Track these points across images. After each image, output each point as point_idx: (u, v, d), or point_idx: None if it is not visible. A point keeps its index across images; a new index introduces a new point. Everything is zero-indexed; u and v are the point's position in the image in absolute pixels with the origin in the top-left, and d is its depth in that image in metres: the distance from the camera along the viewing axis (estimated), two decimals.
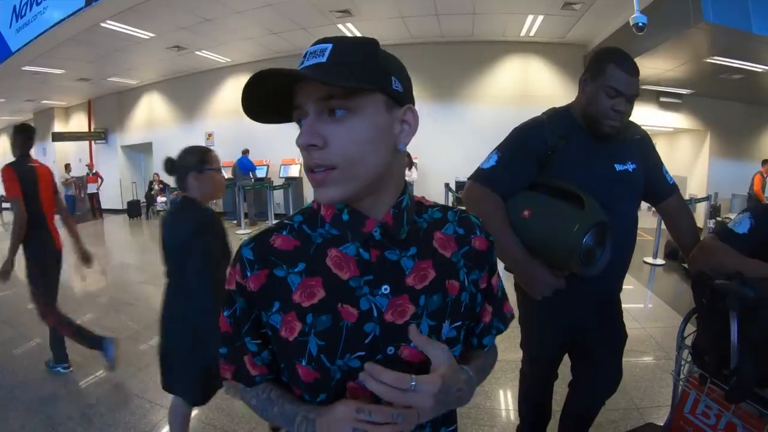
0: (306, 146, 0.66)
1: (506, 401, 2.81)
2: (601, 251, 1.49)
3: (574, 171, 1.58)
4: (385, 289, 0.73)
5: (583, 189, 1.49)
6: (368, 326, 0.72)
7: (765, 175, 8.99)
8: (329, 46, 0.66)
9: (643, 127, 1.81)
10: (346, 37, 0.68)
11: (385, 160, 0.70)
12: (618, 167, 1.64)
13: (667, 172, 1.83)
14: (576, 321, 1.76)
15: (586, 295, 1.67)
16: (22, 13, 8.19)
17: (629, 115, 1.58)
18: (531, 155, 1.63)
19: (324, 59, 0.65)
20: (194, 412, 2.71)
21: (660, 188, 1.81)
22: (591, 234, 1.43)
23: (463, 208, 0.87)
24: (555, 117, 1.69)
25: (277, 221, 0.82)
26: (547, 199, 1.55)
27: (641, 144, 1.75)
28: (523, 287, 1.65)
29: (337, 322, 0.71)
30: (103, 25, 7.87)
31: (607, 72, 1.52)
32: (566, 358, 1.98)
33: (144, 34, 8.66)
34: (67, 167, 13.26)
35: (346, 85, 0.62)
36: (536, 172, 1.63)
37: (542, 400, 2.12)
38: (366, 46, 0.68)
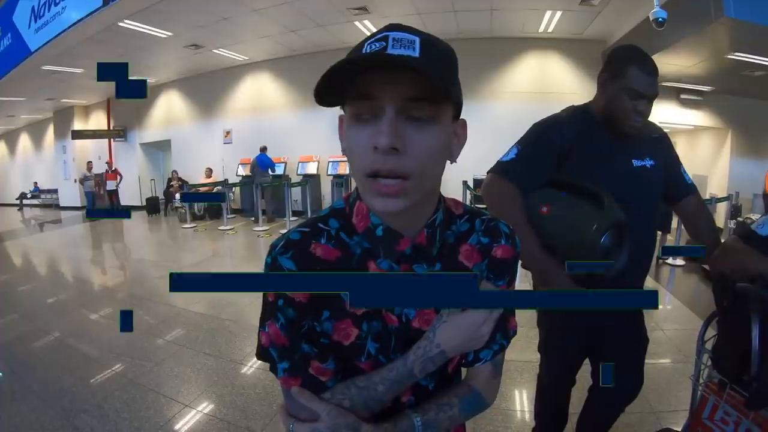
0: (389, 148, 0.59)
1: (522, 403, 2.78)
2: (618, 253, 1.47)
3: (592, 167, 1.58)
4: None
5: (600, 185, 1.49)
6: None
7: None
8: (416, 38, 0.60)
9: (663, 125, 1.79)
10: (428, 34, 0.63)
11: (442, 173, 0.69)
12: (636, 163, 1.64)
13: (685, 172, 1.81)
14: (594, 323, 1.73)
15: None
16: (41, 14, 8.33)
17: (649, 113, 1.58)
18: (550, 150, 1.62)
19: (416, 54, 0.59)
20: (208, 408, 2.74)
21: (678, 188, 1.79)
22: (609, 234, 1.41)
23: (492, 215, 0.85)
24: (574, 114, 1.70)
25: (306, 221, 0.79)
26: (567, 197, 1.54)
27: (659, 142, 1.75)
28: (538, 285, 1.63)
29: (386, 326, 0.74)
30: (120, 24, 7.97)
31: (628, 74, 1.52)
32: (585, 363, 1.95)
33: (161, 33, 8.75)
34: (89, 165, 13.47)
35: (451, 90, 0.58)
36: (554, 168, 1.62)
37: (558, 404, 2.09)
38: (448, 48, 0.65)
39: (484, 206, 1.40)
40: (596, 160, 1.59)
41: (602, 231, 1.40)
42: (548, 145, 1.63)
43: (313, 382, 0.74)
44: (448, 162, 0.72)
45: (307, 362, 0.73)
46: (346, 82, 0.61)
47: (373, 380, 0.73)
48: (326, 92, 0.61)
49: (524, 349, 2.65)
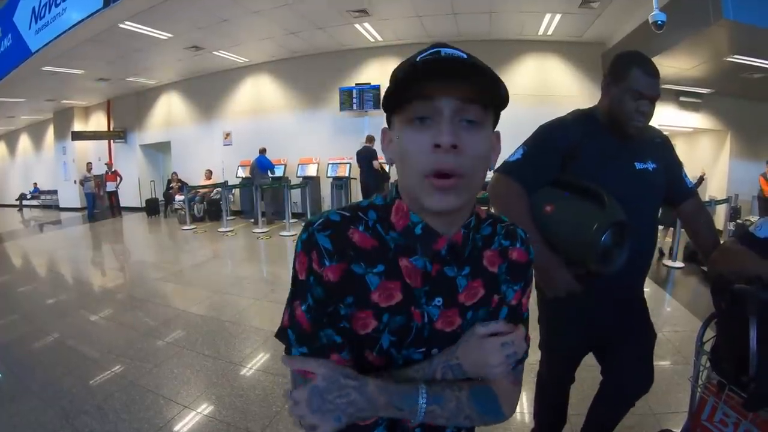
0: (450, 146, 0.64)
1: (521, 404, 2.77)
2: (619, 251, 1.49)
3: (596, 168, 1.61)
4: (438, 301, 0.76)
5: (603, 186, 1.52)
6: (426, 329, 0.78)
7: None
8: (463, 54, 0.68)
9: (662, 128, 1.82)
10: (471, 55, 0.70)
11: (485, 178, 0.74)
12: (638, 165, 1.68)
13: (686, 176, 1.85)
14: (595, 320, 1.76)
15: (604, 294, 1.67)
16: (41, 15, 8.32)
17: (652, 115, 1.62)
18: (555, 151, 1.67)
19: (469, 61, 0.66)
20: (207, 409, 2.74)
21: (679, 190, 1.83)
22: (609, 233, 1.45)
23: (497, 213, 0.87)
24: (579, 117, 1.75)
25: (345, 207, 0.79)
26: (570, 197, 1.58)
27: (662, 146, 1.79)
28: (540, 282, 1.65)
29: (409, 322, 0.75)
30: (121, 26, 7.98)
31: (630, 76, 1.57)
32: (592, 361, 1.95)
33: (162, 35, 8.76)
34: (89, 166, 13.47)
35: (503, 94, 0.66)
36: (559, 168, 1.67)
37: (558, 402, 2.10)
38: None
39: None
40: (599, 161, 1.62)
41: (603, 230, 1.43)
42: (553, 146, 1.67)
43: None
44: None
45: (328, 352, 0.73)
46: (406, 90, 0.66)
47: (386, 381, 0.74)
48: (394, 98, 0.68)
49: None
